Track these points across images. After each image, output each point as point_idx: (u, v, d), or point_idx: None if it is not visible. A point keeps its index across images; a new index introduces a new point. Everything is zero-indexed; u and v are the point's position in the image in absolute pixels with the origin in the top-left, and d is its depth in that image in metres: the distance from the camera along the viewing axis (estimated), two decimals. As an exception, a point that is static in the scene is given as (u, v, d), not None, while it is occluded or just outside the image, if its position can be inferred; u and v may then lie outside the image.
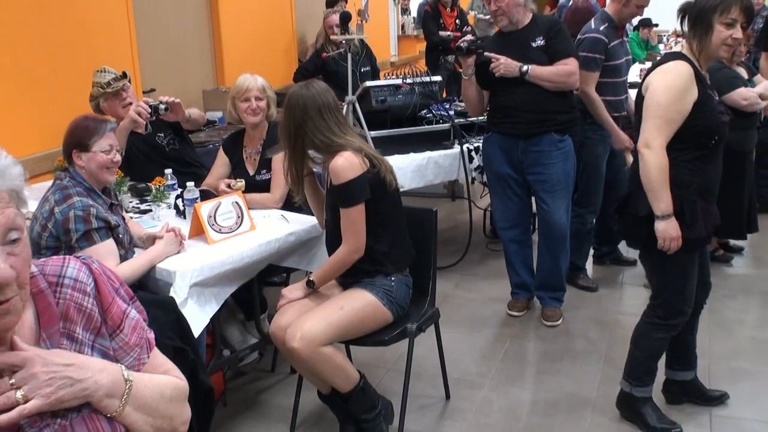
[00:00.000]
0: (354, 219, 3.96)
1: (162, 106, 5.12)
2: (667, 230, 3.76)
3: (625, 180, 4.68)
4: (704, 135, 3.79)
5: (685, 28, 4.03)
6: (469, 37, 5.30)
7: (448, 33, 10.09)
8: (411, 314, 4.25)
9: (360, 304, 4.01)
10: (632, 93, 5.25)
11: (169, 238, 3.97)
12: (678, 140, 3.78)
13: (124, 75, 5.31)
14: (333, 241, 4.17)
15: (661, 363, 4.25)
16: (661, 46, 11.21)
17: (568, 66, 5.15)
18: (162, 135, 5.49)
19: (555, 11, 11.48)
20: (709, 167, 3.92)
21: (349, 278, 4.16)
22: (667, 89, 3.77)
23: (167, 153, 5.48)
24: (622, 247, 6.64)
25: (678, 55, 3.92)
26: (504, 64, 5.04)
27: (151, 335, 2.00)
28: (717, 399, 4.48)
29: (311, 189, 4.30)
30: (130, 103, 5.21)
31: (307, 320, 3.84)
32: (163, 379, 1.93)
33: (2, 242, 1.63)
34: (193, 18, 7.79)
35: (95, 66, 6.03)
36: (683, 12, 3.95)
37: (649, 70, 4.07)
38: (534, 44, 5.14)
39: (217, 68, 8.13)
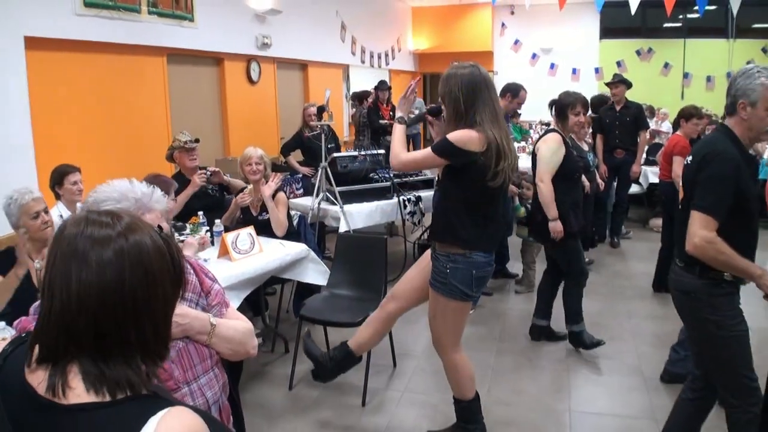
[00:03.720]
0: (424, 158, 3.44)
1: (208, 173, 5.45)
2: (556, 226, 4.74)
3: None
4: (569, 172, 4.81)
5: (554, 115, 5.05)
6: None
7: (386, 121, 10.31)
8: (370, 307, 4.39)
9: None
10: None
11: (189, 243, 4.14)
12: (557, 176, 4.75)
13: (197, 140, 5.52)
14: (435, 214, 3.71)
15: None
16: (531, 131, 11.60)
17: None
18: (211, 186, 5.66)
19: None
20: (574, 190, 4.94)
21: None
22: (548, 148, 4.80)
23: (212, 197, 5.62)
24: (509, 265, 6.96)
25: (552, 130, 4.92)
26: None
27: (227, 299, 2.28)
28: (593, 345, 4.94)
29: (402, 135, 3.60)
30: (196, 158, 5.48)
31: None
32: (236, 323, 2.19)
33: None
34: (209, 108, 7.90)
35: (143, 139, 6.29)
36: (551, 106, 5.03)
37: (537, 140, 5.10)
38: None
39: (224, 143, 8.21)
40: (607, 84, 8.29)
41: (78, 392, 1.12)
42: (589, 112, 6.68)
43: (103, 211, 1.26)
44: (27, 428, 1.14)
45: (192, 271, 2.16)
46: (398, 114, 3.59)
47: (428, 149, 3.40)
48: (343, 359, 3.98)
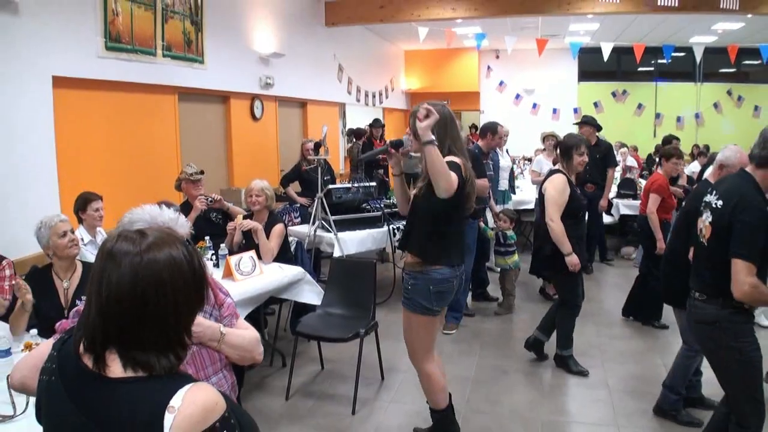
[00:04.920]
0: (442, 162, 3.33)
1: (210, 199, 5.65)
2: (572, 260, 4.81)
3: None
4: (575, 210, 4.92)
5: (558, 155, 5.21)
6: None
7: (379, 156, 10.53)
8: (360, 324, 4.64)
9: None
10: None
11: None
12: (564, 214, 4.86)
13: (202, 172, 5.71)
14: (407, 227, 3.79)
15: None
16: (515, 166, 11.78)
17: None
18: (215, 214, 5.85)
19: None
20: (579, 227, 5.04)
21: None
22: (555, 189, 4.92)
23: (215, 225, 5.79)
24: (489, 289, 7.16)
25: (558, 171, 5.05)
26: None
27: (237, 312, 2.46)
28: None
29: (401, 188, 3.86)
30: (201, 189, 5.66)
31: None
32: (244, 332, 2.34)
33: None
34: (216, 141, 8.08)
35: (156, 170, 6.45)
36: (557, 146, 5.33)
37: (543, 181, 5.20)
38: None
39: (229, 174, 8.35)
40: (576, 124, 8.59)
41: (116, 371, 1.34)
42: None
43: (134, 230, 1.47)
44: (80, 396, 1.36)
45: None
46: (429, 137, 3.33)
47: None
48: (436, 421, 3.97)
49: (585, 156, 5.04)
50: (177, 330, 1.42)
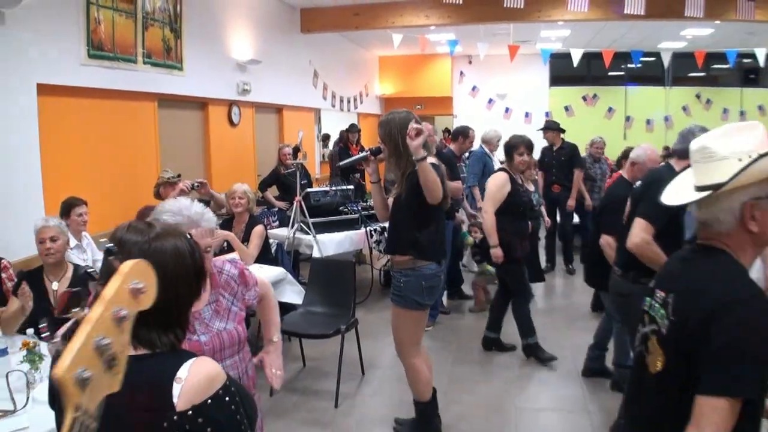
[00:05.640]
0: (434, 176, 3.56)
1: (196, 183, 5.79)
2: (497, 252, 5.15)
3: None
4: (515, 206, 5.21)
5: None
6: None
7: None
8: (340, 322, 4.86)
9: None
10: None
11: None
12: (505, 209, 5.18)
13: (179, 176, 5.82)
14: (392, 229, 3.95)
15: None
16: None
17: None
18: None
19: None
20: (520, 222, 5.31)
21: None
22: (495, 184, 5.27)
23: None
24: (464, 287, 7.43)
25: (502, 169, 5.40)
26: None
27: (254, 278, 2.65)
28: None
29: (379, 194, 4.03)
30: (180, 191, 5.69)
31: None
32: (271, 306, 2.83)
33: (204, 251, 2.25)
34: (194, 147, 8.20)
35: (137, 175, 6.59)
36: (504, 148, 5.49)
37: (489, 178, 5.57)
38: None
39: (208, 179, 8.19)
40: (539, 130, 9.02)
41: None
42: None
43: (143, 222, 1.67)
44: None
45: (233, 275, 2.56)
46: (421, 155, 3.57)
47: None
48: (420, 412, 4.16)
49: (525, 156, 5.37)
50: (179, 313, 1.59)
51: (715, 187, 1.66)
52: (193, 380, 1.44)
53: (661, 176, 3.41)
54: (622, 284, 3.72)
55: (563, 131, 8.66)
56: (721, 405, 1.54)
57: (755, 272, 4.23)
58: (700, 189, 1.73)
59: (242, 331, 2.48)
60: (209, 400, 1.44)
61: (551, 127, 8.68)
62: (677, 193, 1.84)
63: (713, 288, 1.66)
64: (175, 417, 1.40)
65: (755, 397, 1.58)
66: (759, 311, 1.59)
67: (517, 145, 5.35)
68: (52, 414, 1.62)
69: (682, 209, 3.00)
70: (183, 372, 1.45)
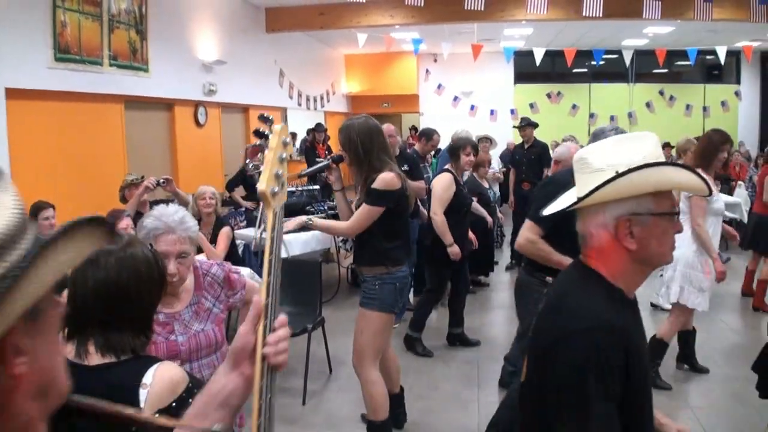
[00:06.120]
0: (369, 215, 3.63)
1: (162, 180, 5.78)
2: (454, 250, 5.29)
3: None
4: (458, 206, 5.41)
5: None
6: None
7: (321, 159, 10.83)
8: (307, 320, 4.98)
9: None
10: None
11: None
12: (448, 210, 5.33)
13: (142, 178, 5.77)
14: (360, 240, 3.86)
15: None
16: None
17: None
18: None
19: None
20: (462, 223, 5.53)
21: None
22: (440, 186, 5.41)
23: None
24: None
25: (446, 170, 5.55)
26: None
27: (243, 280, 2.74)
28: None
29: (343, 202, 4.00)
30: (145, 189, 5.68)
31: None
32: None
33: (177, 258, 2.39)
34: (161, 148, 8.30)
35: (104, 177, 6.66)
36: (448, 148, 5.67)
37: (433, 178, 5.77)
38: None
39: (175, 180, 8.36)
40: (516, 127, 9.13)
41: (95, 357, 1.62)
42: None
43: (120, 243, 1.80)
44: None
45: (217, 277, 2.65)
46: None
47: (363, 206, 3.65)
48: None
49: (471, 156, 5.58)
50: (149, 314, 1.74)
51: (578, 200, 1.59)
52: (157, 386, 1.57)
53: (557, 179, 3.59)
54: (521, 274, 3.91)
55: (536, 126, 8.93)
56: None
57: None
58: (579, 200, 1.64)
59: (219, 333, 2.59)
60: (173, 403, 1.56)
61: (531, 124, 8.91)
62: (561, 202, 1.75)
63: (562, 316, 1.60)
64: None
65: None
66: (591, 348, 1.47)
67: (464, 146, 5.54)
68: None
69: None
70: (148, 378, 1.58)
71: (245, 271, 5.40)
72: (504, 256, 9.47)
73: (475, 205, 7.28)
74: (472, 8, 8.26)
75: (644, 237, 1.56)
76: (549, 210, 1.76)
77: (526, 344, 1.83)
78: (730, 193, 10.12)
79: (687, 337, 5.16)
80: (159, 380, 1.58)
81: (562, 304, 1.64)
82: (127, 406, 1.51)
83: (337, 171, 3.97)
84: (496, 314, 7.07)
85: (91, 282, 1.65)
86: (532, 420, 1.63)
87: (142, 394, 1.55)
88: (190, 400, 1.58)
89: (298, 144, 13.21)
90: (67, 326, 1.66)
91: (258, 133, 2.64)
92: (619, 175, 1.51)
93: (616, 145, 1.64)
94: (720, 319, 6.43)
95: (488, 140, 9.07)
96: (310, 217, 3.22)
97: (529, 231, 3.55)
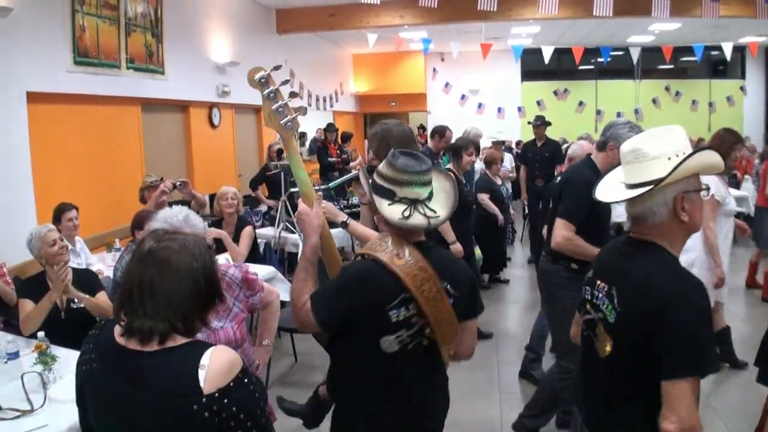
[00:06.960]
0: None
1: (178, 183, 5.90)
2: (457, 248, 5.24)
3: None
4: (460, 205, 5.32)
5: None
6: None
7: (333, 158, 10.82)
8: None
9: None
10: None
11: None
12: None
13: (161, 179, 5.91)
14: None
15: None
16: None
17: None
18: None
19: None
20: (465, 221, 5.52)
21: None
22: None
23: None
24: None
25: (448, 170, 5.58)
26: None
27: (261, 284, 2.90)
28: None
29: (369, 214, 3.47)
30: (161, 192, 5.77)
31: None
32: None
33: None
34: (177, 149, 8.35)
35: (122, 178, 6.73)
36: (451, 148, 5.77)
37: None
38: None
39: (191, 181, 8.44)
40: (532, 123, 9.19)
41: (153, 345, 1.67)
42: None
43: (169, 231, 1.86)
44: (126, 372, 1.68)
45: (235, 278, 2.76)
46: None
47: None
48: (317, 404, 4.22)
49: (473, 156, 5.72)
50: (206, 306, 1.78)
51: (657, 182, 1.89)
52: (216, 366, 1.63)
53: (576, 174, 3.70)
54: (543, 263, 3.99)
55: (550, 124, 9.03)
56: (689, 385, 1.76)
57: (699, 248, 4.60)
58: (634, 186, 1.96)
59: (239, 331, 2.66)
60: (231, 383, 1.63)
61: (546, 123, 8.99)
62: (608, 191, 2.09)
63: (661, 283, 1.85)
64: (203, 399, 1.60)
65: (717, 371, 1.85)
66: (703, 298, 1.82)
67: (466, 146, 5.70)
68: (68, 412, 1.73)
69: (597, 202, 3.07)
70: (205, 360, 1.64)
71: (268, 270, 5.48)
72: (516, 253, 9.52)
73: (487, 201, 7.36)
74: (485, 9, 8.30)
75: (692, 210, 1.94)
76: (610, 198, 2.09)
77: (597, 324, 2.06)
78: (737, 186, 10.17)
79: (723, 335, 5.22)
80: (216, 361, 1.64)
81: (649, 275, 1.90)
82: (188, 386, 1.61)
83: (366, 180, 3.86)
84: (512, 308, 7.14)
85: (147, 281, 1.69)
86: (631, 381, 1.91)
87: (201, 374, 1.61)
88: (246, 381, 1.67)
89: (308, 143, 13.27)
90: (126, 320, 1.70)
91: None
92: (686, 158, 1.87)
93: (661, 136, 1.97)
94: (727, 309, 6.47)
95: (502, 143, 9.21)
96: (349, 218, 3.07)
97: (564, 229, 3.60)
